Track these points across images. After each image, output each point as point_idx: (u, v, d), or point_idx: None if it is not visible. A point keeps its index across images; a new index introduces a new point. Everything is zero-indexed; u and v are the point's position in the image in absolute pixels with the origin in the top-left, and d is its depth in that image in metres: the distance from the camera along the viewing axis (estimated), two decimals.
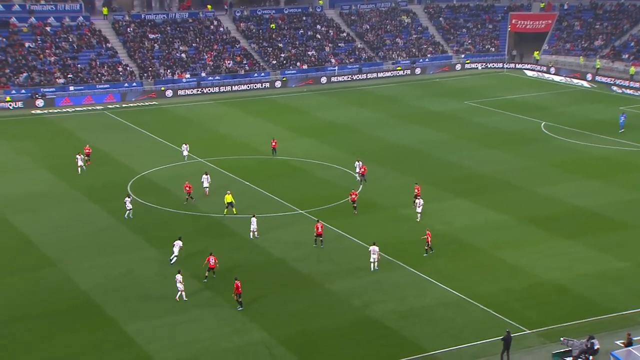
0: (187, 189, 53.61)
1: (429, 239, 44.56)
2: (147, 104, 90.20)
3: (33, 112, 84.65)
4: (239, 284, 38.57)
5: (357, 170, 60.17)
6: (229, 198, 52.39)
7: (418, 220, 50.83)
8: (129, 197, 51.47)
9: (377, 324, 38.10)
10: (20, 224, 51.57)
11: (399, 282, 42.86)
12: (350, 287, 41.86)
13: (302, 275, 43.84)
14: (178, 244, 42.74)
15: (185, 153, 64.13)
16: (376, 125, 78.80)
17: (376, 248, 43.82)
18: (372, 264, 43.71)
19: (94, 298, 40.93)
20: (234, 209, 52.41)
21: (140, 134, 76.43)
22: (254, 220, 47.91)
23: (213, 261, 42.17)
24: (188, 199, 53.49)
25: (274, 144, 67.18)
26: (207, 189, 56.90)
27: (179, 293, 39.51)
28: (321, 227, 46.50)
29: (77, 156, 60.78)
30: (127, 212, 50.78)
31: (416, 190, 53.85)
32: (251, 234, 48.11)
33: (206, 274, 42.55)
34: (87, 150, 63.04)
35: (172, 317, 39.00)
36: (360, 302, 40.25)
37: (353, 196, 52.66)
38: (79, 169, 59.55)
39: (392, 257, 46.06)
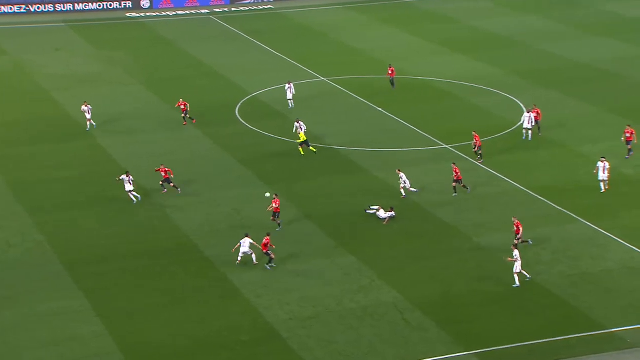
0: (163, 173, 47.08)
1: (519, 230, 40.16)
2: (261, 8, 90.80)
3: (128, 15, 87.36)
4: (269, 241, 38.38)
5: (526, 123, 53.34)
6: (303, 136, 51.90)
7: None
8: (127, 176, 45.42)
9: (540, 290, 37.07)
10: (112, 149, 53.75)
11: (571, 238, 41.45)
12: (505, 242, 40.93)
13: (444, 225, 43.17)
14: (247, 242, 39.37)
15: (290, 95, 59.54)
16: (549, 38, 75.66)
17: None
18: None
19: (195, 240, 42.16)
20: (311, 148, 52.03)
21: (252, 45, 77.19)
22: (402, 175, 46.39)
23: (276, 205, 42.44)
24: (164, 185, 47.09)
25: (391, 72, 63.99)
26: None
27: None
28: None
29: (83, 107, 55.42)
30: (130, 194, 45.43)
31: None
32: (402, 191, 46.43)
33: (273, 219, 42.75)
34: (183, 106, 56.72)
35: (286, 267, 39.55)
36: None
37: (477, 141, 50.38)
38: (89, 124, 55.36)
39: (562, 208, 44.49)
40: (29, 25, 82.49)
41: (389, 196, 46.34)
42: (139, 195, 45.52)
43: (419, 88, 64.94)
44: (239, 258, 39.21)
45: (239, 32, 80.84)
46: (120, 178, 45.27)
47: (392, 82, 63.79)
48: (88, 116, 54.68)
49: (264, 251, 38.60)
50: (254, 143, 54.34)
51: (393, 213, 43.46)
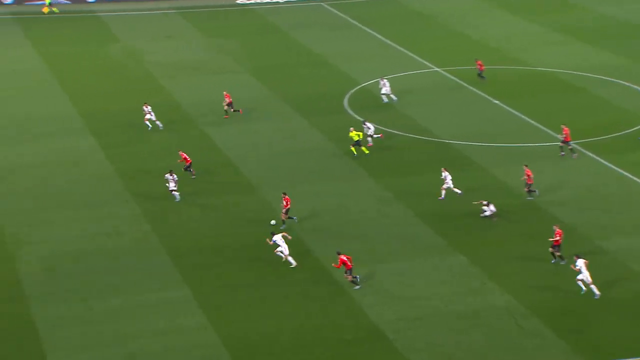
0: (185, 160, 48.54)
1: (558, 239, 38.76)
2: None
3: (239, 1, 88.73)
4: (346, 260, 37.12)
5: None
6: (355, 135, 51.02)
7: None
8: (170, 175, 45.93)
9: None
10: (218, 138, 54.79)
11: None
12: (633, 247, 39.46)
13: (563, 226, 42.06)
14: (278, 237, 39.46)
15: (385, 90, 58.76)
16: None
17: None
18: None
19: (300, 235, 42.51)
20: (363, 148, 51.26)
21: (363, 33, 77.21)
22: (447, 175, 45.25)
23: (287, 203, 42.48)
24: (191, 170, 48.58)
25: (479, 65, 62.88)
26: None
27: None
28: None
29: (145, 108, 55.06)
30: (173, 193, 45.92)
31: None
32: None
33: (283, 219, 42.57)
34: (228, 99, 57.36)
35: (391, 264, 39.54)
36: None
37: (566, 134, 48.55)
38: (149, 123, 54.81)
39: None
40: (141, 13, 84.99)
41: (505, 195, 45.57)
42: (178, 195, 45.78)
43: (539, 79, 63.57)
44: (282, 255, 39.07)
45: (350, 20, 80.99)
46: (166, 177, 45.87)
47: (480, 76, 62.54)
48: (150, 117, 54.81)
49: (348, 269, 37.16)
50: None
51: (492, 207, 42.70)
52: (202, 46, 74.39)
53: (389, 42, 73.85)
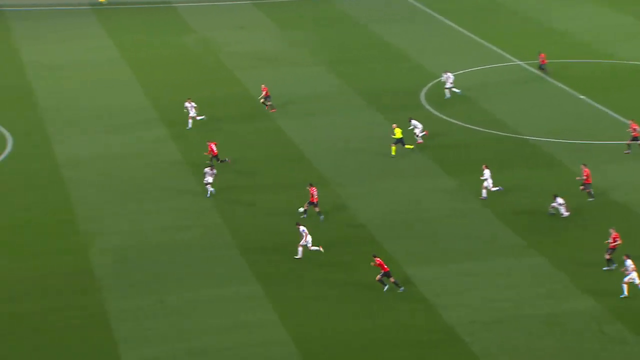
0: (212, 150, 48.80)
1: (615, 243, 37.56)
2: None
3: None
4: (381, 262, 36.79)
5: None
6: (398, 133, 50.16)
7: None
8: (211, 170, 45.81)
9: None
10: (292, 132, 54.80)
11: None
12: None
13: None
14: (303, 229, 39.82)
15: (449, 84, 57.78)
16: None
17: None
18: None
19: (372, 231, 42.33)
20: (407, 145, 50.37)
21: (443, 25, 76.37)
22: (487, 172, 44.85)
23: (315, 194, 42.74)
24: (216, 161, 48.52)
25: (542, 59, 61.63)
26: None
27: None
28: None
29: (187, 104, 54.66)
30: (208, 187, 45.65)
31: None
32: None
33: (305, 208, 42.67)
34: (265, 92, 57.47)
35: (465, 264, 39.02)
36: None
37: None
38: (189, 121, 54.37)
39: None
40: (216, 4, 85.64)
41: (584, 193, 44.48)
42: (213, 190, 45.69)
43: (630, 74, 61.79)
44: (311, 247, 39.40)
45: (429, 11, 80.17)
46: (205, 171, 45.79)
47: (542, 68, 61.39)
48: (192, 113, 54.77)
49: (384, 272, 36.81)
50: (438, 130, 53.74)
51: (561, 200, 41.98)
52: (276, 38, 74.56)
53: (469, 34, 72.88)
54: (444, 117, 55.87)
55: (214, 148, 48.66)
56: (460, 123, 54.36)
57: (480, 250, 40.10)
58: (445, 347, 33.34)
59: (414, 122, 51.77)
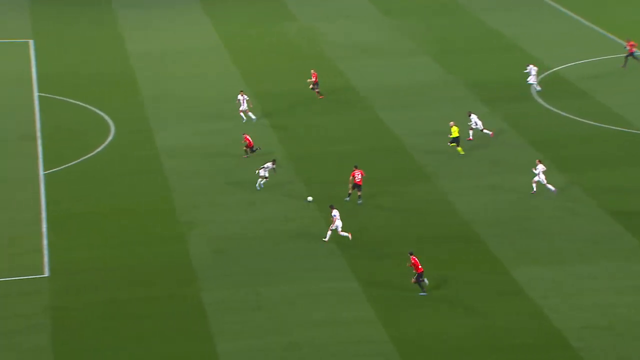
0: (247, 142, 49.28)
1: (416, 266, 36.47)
2: None
3: None
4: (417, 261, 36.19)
5: None
6: (455, 131, 48.75)
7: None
8: (272, 164, 45.83)
9: None
10: (393, 124, 54.40)
11: None
12: None
13: None
14: (337, 213, 40.41)
15: (531, 77, 56.66)
16: None
17: None
18: None
19: (475, 228, 41.79)
20: (459, 148, 49.06)
21: (556, 11, 74.58)
22: (540, 167, 44.11)
23: (359, 176, 43.23)
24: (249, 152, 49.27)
25: (629, 46, 59.00)
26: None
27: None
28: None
29: (240, 97, 54.31)
30: (260, 180, 45.90)
31: None
32: None
33: (349, 191, 43.18)
34: (314, 78, 57.73)
35: (577, 266, 38.08)
36: None
37: None
38: (243, 115, 53.95)
39: None
40: None
41: None
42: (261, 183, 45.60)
43: None
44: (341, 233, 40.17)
45: None
46: (266, 165, 45.59)
47: (633, 57, 59.07)
48: (243, 107, 54.34)
49: (419, 272, 36.26)
50: (551, 124, 52.61)
51: None
52: (382, 27, 74.15)
53: (585, 22, 70.91)
54: (556, 110, 54.56)
55: (250, 139, 48.64)
56: (573, 117, 52.96)
57: (593, 252, 39.02)
58: (552, 352, 32.62)
59: (473, 117, 50.72)
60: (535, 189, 44.25)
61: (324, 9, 79.23)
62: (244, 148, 49.15)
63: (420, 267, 36.13)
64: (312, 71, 58.19)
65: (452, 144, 49.00)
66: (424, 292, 36.43)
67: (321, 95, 57.58)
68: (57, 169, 48.86)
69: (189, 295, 37.03)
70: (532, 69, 57.27)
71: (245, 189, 46.41)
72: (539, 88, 57.21)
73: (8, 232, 42.27)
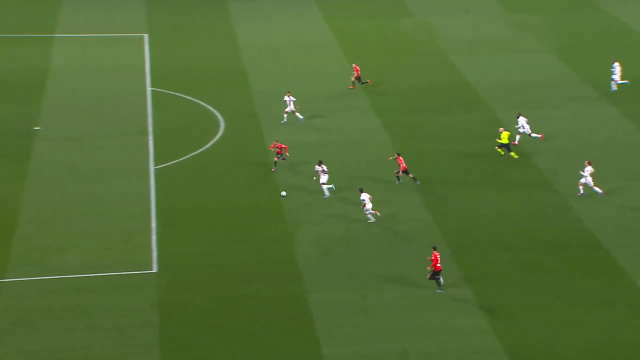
0: (277, 150, 48.50)
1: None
2: None
3: None
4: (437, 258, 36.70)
5: None
6: (505, 137, 47.78)
7: None
8: (319, 165, 45.87)
9: None
10: (512, 124, 53.65)
11: None
12: None
13: None
14: (367, 196, 42.56)
15: (615, 74, 55.73)
16: None
17: None
18: None
19: (599, 237, 40.95)
20: (512, 153, 47.74)
21: None
22: (588, 169, 43.61)
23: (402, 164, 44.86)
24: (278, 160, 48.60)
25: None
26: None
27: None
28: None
29: (287, 98, 54.47)
30: (323, 186, 45.68)
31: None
32: None
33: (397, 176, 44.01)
34: (356, 72, 59.16)
35: None
36: None
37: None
38: (285, 116, 54.39)
39: None
40: None
41: None
42: (327, 188, 45.39)
43: None
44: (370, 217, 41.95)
45: None
46: (316, 169, 45.42)
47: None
48: (288, 108, 54.31)
49: (436, 270, 36.56)
50: None
51: None
52: (503, 22, 73.20)
53: None
54: None
55: (281, 145, 48.26)
56: None
57: None
58: None
59: (521, 120, 49.64)
60: (582, 191, 43.68)
61: (441, 3, 78.69)
62: (276, 154, 48.32)
63: (439, 265, 36.43)
64: (353, 65, 58.70)
65: (500, 149, 48.47)
66: (440, 289, 36.45)
67: (353, 86, 58.97)
68: (167, 164, 50.13)
69: (295, 295, 37.41)
70: (616, 66, 55.59)
71: (355, 188, 46.52)
72: (614, 88, 55.43)
73: (120, 226, 43.57)
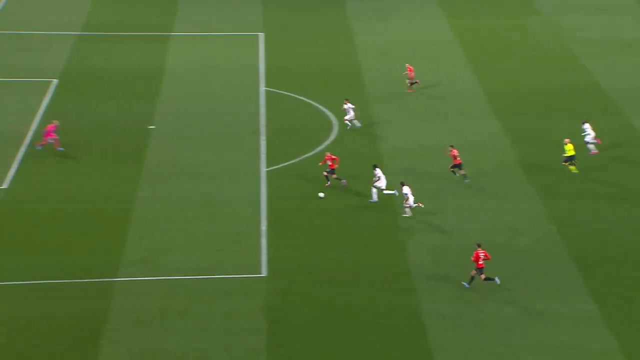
0: (329, 162, 47.13)
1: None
2: None
3: None
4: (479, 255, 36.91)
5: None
6: (570, 149, 45.81)
7: None
8: (374, 169, 45.66)
9: None
10: None
11: None
12: None
13: None
14: (408, 189, 43.32)
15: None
16: None
17: None
18: None
19: None
20: (572, 167, 46.49)
21: None
22: None
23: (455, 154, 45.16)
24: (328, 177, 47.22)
25: None
26: None
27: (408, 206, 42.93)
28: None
29: (345, 105, 54.30)
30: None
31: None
32: None
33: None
34: (410, 72, 58.54)
35: None
36: None
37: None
38: (348, 122, 54.08)
39: None
40: None
41: None
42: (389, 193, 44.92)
43: None
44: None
45: None
46: (375, 173, 45.05)
47: None
48: (348, 117, 53.70)
49: (479, 267, 36.92)
50: None
51: None
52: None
53: None
54: None
55: (333, 157, 47.04)
56: None
57: None
58: None
59: (586, 126, 47.81)
60: None
61: (573, 2, 76.64)
62: (328, 169, 47.20)
63: (481, 262, 36.81)
64: (407, 65, 57.92)
65: (566, 163, 46.74)
66: (468, 284, 37.29)
67: (412, 89, 58.40)
68: (278, 165, 50.33)
69: (407, 305, 36.94)
70: None
71: (472, 195, 45.75)
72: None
73: (231, 227, 43.92)
